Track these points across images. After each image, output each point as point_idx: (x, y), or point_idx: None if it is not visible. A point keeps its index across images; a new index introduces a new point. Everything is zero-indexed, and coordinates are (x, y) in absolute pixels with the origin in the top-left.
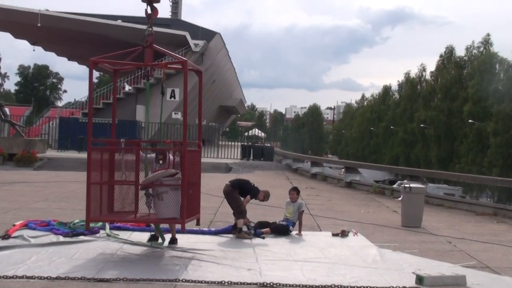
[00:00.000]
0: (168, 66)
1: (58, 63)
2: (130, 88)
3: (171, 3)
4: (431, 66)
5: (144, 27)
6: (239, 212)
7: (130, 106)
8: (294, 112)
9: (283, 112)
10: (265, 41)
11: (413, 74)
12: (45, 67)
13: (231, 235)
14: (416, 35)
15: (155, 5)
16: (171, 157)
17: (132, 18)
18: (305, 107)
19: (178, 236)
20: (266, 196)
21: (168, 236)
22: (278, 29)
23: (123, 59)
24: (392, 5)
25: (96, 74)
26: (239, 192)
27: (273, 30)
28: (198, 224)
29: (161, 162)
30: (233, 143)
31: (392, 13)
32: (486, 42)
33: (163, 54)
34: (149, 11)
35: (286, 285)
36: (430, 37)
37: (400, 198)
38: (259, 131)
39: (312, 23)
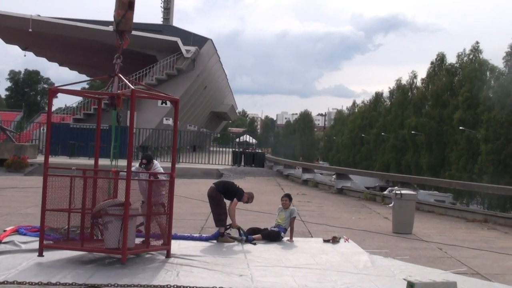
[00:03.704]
0: (123, 94)
1: (50, 69)
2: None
3: (162, 9)
4: (422, 73)
5: (137, 33)
6: (218, 219)
7: (122, 112)
8: (286, 118)
9: (274, 119)
10: (257, 48)
11: (404, 81)
12: (36, 73)
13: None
14: (408, 42)
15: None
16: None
17: None
18: (296, 114)
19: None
20: (250, 198)
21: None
22: (271, 36)
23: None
24: (385, 12)
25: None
26: (224, 194)
27: (265, 37)
28: (168, 256)
29: (143, 166)
30: (224, 149)
31: (385, 20)
32: (475, 49)
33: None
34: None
35: None
36: (422, 44)
37: (391, 205)
38: (250, 137)
39: (305, 30)
